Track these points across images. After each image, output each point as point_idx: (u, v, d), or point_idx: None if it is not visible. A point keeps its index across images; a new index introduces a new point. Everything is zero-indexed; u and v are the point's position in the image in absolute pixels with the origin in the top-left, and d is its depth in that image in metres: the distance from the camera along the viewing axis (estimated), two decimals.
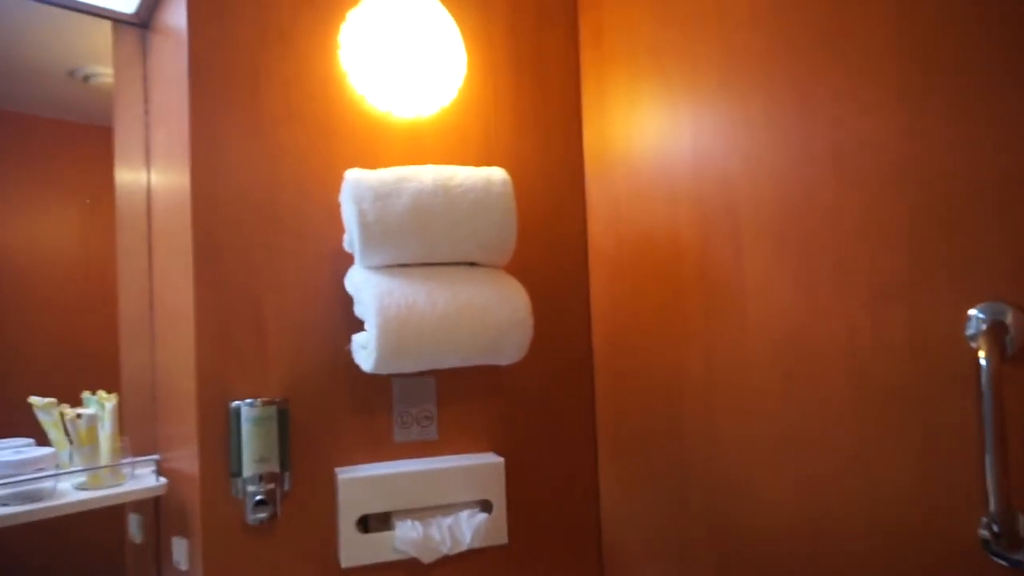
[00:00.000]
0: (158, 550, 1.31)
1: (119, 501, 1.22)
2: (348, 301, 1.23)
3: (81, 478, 1.22)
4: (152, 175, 1.41)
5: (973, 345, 0.99)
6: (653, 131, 1.34)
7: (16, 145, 1.59)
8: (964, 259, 0.99)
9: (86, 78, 1.71)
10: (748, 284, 1.21)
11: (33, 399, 1.26)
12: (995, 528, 0.91)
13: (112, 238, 1.54)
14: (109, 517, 1.42)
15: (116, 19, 1.39)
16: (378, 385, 1.29)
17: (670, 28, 1.31)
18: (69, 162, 1.74)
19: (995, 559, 0.95)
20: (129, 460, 1.27)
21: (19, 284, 1.55)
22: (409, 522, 1.22)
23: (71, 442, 1.24)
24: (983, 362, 0.92)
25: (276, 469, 1.18)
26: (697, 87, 1.27)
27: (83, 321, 1.72)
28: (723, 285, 1.25)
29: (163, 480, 1.27)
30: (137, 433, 1.34)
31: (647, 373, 1.36)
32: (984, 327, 0.96)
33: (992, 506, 0.90)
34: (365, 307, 1.14)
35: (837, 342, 1.11)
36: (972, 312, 0.98)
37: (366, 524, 1.23)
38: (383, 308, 1.11)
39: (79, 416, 1.23)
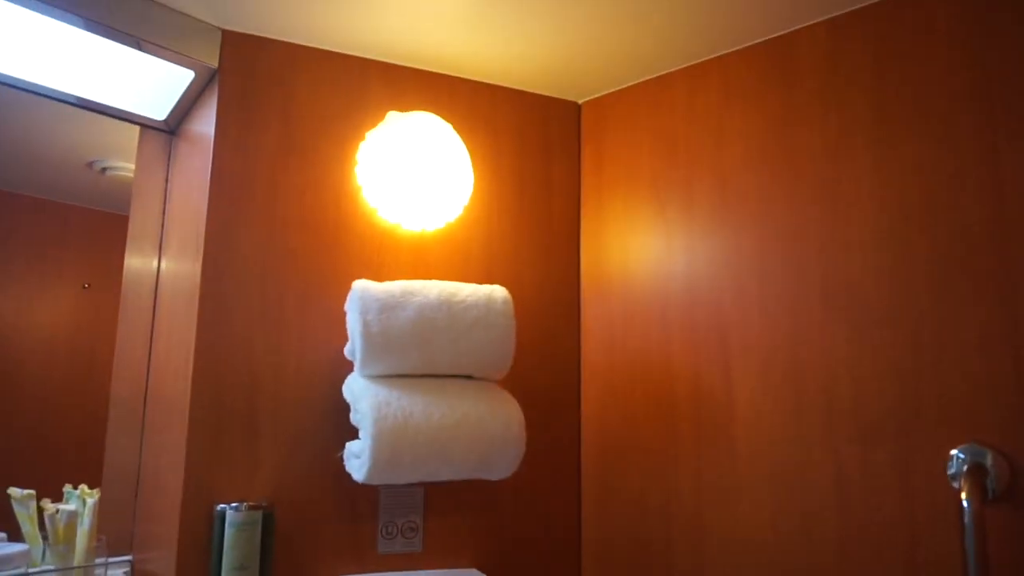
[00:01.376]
0: None
1: None
2: (343, 407, 1.24)
3: None
4: (162, 269, 1.45)
5: (955, 485, 1.01)
6: (648, 258, 1.41)
7: (18, 226, 1.62)
8: (948, 400, 1.03)
9: (103, 170, 1.78)
10: (738, 412, 1.24)
11: (12, 490, 1.23)
12: None
13: (106, 325, 1.55)
14: None
15: (146, 125, 1.47)
16: (365, 493, 1.28)
17: (669, 165, 1.41)
18: (71, 244, 1.77)
19: None
20: (102, 561, 1.23)
21: (7, 366, 1.54)
22: None
23: (45, 538, 1.21)
24: (965, 503, 0.94)
25: None
26: (692, 220, 1.36)
27: (70, 409, 1.70)
28: (714, 411, 1.27)
29: None
30: (114, 530, 1.31)
31: (636, 494, 1.36)
32: (965, 468, 0.99)
33: None
34: (362, 416, 1.15)
35: (825, 475, 1.13)
36: (954, 452, 1.02)
37: None
38: (380, 419, 1.13)
39: (58, 512, 1.20)
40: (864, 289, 1.12)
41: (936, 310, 1.05)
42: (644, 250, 1.42)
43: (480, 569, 1.33)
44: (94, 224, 1.86)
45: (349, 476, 1.22)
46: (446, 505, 1.34)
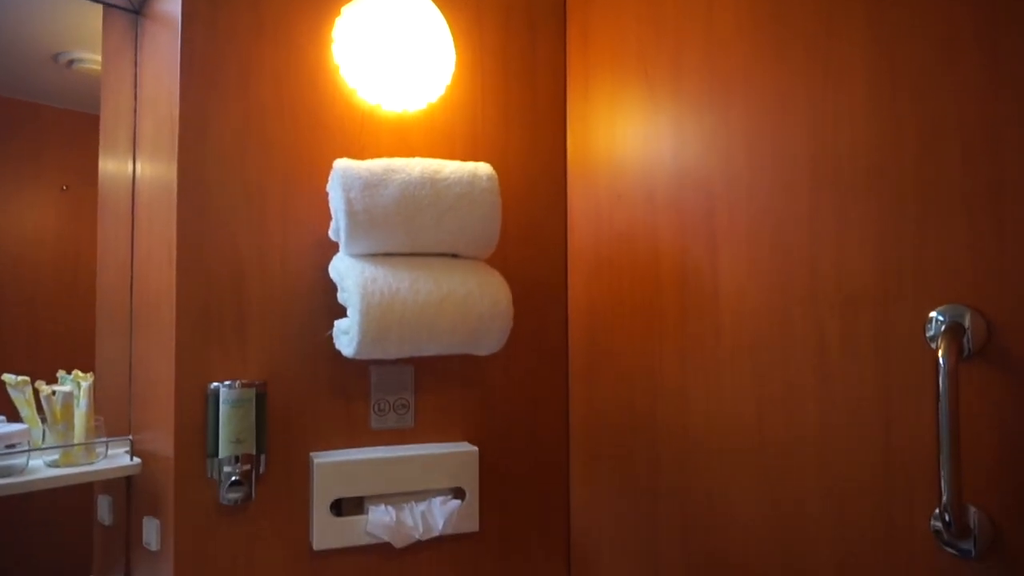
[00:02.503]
0: (128, 532, 1.30)
1: (92, 479, 1.22)
2: (331, 289, 1.25)
3: (54, 456, 1.21)
4: (138, 161, 1.42)
5: (933, 346, 1.03)
6: (636, 135, 1.39)
7: None
8: (929, 263, 1.04)
9: (70, 63, 1.71)
10: (723, 287, 1.25)
11: (6, 376, 1.25)
12: (947, 518, 0.95)
13: (89, 224, 1.54)
14: (77, 498, 1.41)
15: (108, 3, 1.40)
16: (356, 372, 1.30)
17: (656, 36, 1.36)
18: (47, 147, 1.74)
19: (946, 549, 1.00)
20: (103, 440, 1.27)
21: None
22: (382, 507, 1.24)
23: (44, 420, 1.23)
24: (941, 361, 0.96)
25: (252, 451, 1.18)
26: (680, 93, 1.32)
27: (56, 305, 1.71)
28: (699, 287, 1.29)
29: (137, 460, 1.27)
30: (111, 416, 1.34)
31: (622, 371, 1.40)
32: (943, 328, 1.01)
33: (945, 498, 0.95)
34: (349, 293, 1.16)
35: (806, 343, 1.15)
36: (933, 314, 1.03)
37: (339, 508, 1.24)
38: (367, 295, 1.13)
39: (54, 393, 1.23)
40: (852, 159, 1.11)
41: (922, 175, 1.04)
42: (631, 129, 1.40)
43: (471, 442, 1.38)
44: (67, 125, 1.81)
45: (340, 356, 1.24)
46: (436, 383, 1.37)
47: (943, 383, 0.96)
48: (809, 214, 1.15)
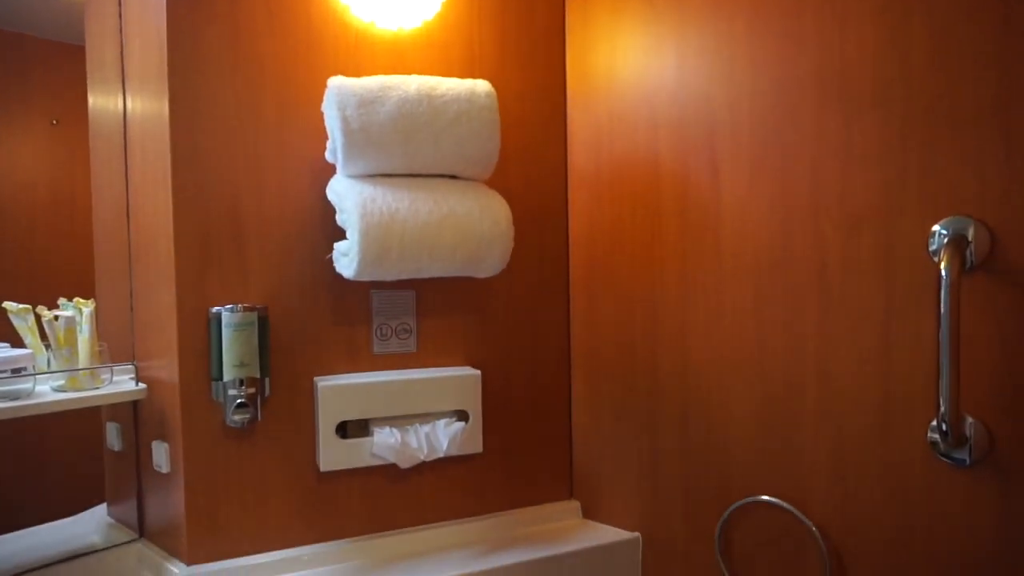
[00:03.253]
0: (137, 456, 1.32)
1: (99, 403, 1.23)
2: (329, 213, 1.23)
3: (59, 380, 1.22)
4: (127, 88, 1.38)
5: (936, 260, 1.03)
6: (637, 53, 1.35)
7: None
8: (934, 176, 1.02)
9: None
10: (725, 207, 1.24)
11: (7, 304, 1.25)
12: (944, 428, 0.96)
13: (83, 155, 1.52)
14: (86, 427, 1.44)
15: None
16: (357, 297, 1.30)
17: None
18: (33, 80, 1.70)
19: (941, 458, 1.02)
20: (108, 365, 1.28)
21: None
22: (387, 429, 1.25)
23: (48, 347, 1.24)
24: (943, 272, 0.96)
25: (256, 374, 1.19)
26: (683, 6, 1.28)
27: (55, 237, 1.70)
28: (700, 208, 1.27)
29: (142, 385, 1.28)
30: (115, 345, 1.34)
31: (623, 292, 1.40)
32: (946, 240, 1.00)
33: (943, 408, 0.96)
34: (348, 214, 1.15)
35: (808, 262, 1.15)
36: (935, 227, 1.02)
37: (345, 430, 1.26)
38: (366, 214, 1.12)
39: (56, 318, 1.23)
40: (860, 69, 1.08)
41: (930, 84, 1.02)
42: (632, 44, 1.35)
43: (473, 366, 1.39)
44: (53, 56, 1.76)
45: (341, 281, 1.23)
46: (438, 307, 1.37)
47: (945, 295, 0.96)
48: (814, 127, 1.13)
